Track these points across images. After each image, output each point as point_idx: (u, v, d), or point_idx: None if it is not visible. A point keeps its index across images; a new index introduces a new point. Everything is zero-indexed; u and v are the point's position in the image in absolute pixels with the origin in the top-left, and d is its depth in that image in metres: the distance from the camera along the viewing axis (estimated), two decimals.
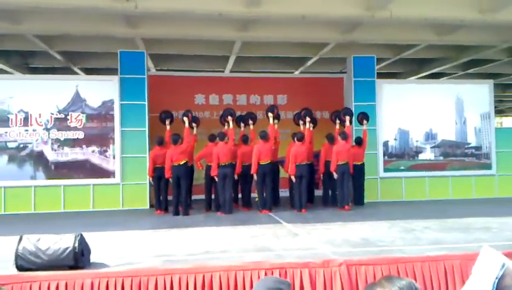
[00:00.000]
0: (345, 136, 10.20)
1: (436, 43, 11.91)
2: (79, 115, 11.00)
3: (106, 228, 8.06)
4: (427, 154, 12.41)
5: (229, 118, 10.20)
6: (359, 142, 10.81)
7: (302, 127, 10.63)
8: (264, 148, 9.81)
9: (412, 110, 12.27)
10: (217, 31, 10.45)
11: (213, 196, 10.29)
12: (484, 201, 11.47)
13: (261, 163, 9.76)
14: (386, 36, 11.06)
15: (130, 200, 10.91)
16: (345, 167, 10.11)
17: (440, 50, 13.28)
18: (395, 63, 14.30)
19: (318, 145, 11.06)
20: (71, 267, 4.94)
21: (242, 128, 10.64)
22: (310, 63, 13.66)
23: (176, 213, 9.57)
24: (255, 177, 9.90)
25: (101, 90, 11.14)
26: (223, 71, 14.39)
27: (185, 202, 9.70)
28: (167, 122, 10.34)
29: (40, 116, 10.85)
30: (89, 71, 14.44)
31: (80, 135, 10.96)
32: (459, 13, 9.30)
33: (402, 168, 12.24)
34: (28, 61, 13.58)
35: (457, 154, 12.48)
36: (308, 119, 10.50)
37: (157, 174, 9.99)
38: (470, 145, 12.56)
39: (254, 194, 10.28)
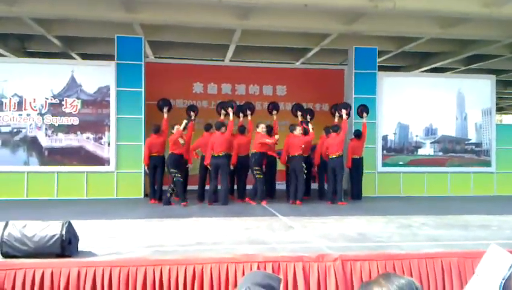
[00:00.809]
0: (336, 129, 10.04)
1: (439, 37, 11.74)
2: (74, 100, 10.82)
3: (98, 217, 7.92)
4: (427, 150, 12.27)
5: (230, 109, 10.08)
6: (358, 134, 10.65)
7: (300, 118, 10.59)
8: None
9: (412, 105, 12.12)
10: (217, 18, 10.26)
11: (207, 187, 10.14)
12: (482, 199, 11.37)
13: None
14: (389, 28, 10.87)
15: (124, 188, 10.77)
16: (336, 161, 9.87)
17: (443, 44, 13.10)
18: (397, 57, 14.13)
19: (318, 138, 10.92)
20: (58, 256, 4.80)
21: (241, 119, 10.50)
22: (310, 54, 13.47)
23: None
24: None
25: (97, 75, 10.97)
26: (222, 60, 14.20)
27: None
28: (165, 110, 10.13)
29: (34, 101, 10.68)
30: (86, 57, 14.24)
31: (75, 121, 10.79)
32: (464, 6, 9.14)
33: (401, 163, 12.10)
34: (25, 45, 13.40)
35: (456, 151, 12.34)
36: (299, 113, 10.58)
37: (153, 163, 9.83)
38: (470, 142, 12.41)
39: (249, 186, 10.17)
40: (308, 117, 10.68)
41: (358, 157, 10.56)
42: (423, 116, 12.21)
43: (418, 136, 12.22)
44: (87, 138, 10.84)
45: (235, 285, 4.64)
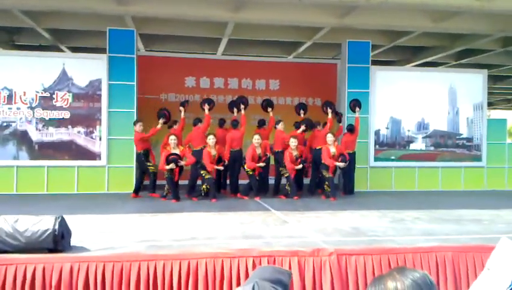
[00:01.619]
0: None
1: (431, 31, 11.72)
2: (65, 94, 10.69)
3: (89, 211, 7.85)
4: (418, 144, 12.29)
5: (242, 106, 10.35)
6: (351, 129, 10.67)
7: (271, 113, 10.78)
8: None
9: (405, 99, 12.13)
10: (209, 11, 10.17)
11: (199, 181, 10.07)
12: (473, 193, 11.42)
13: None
14: (381, 21, 10.84)
15: (115, 183, 10.67)
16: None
17: (434, 38, 13.11)
18: (388, 51, 14.12)
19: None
20: (50, 251, 4.74)
21: (235, 114, 10.48)
22: (303, 48, 13.42)
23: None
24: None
25: (89, 69, 10.82)
26: (214, 54, 14.10)
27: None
28: (161, 121, 10.12)
29: (24, 94, 10.53)
30: (76, 51, 14.04)
31: (66, 114, 10.66)
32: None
33: (392, 157, 12.11)
34: (14, 38, 13.16)
35: (448, 145, 12.38)
36: (269, 109, 10.76)
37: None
38: (462, 136, 12.46)
39: (242, 181, 10.15)
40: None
41: (351, 152, 10.57)
42: (415, 111, 12.22)
43: (410, 130, 12.24)
44: (79, 132, 10.71)
45: (230, 280, 4.61)
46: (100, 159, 10.73)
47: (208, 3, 9.91)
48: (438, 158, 12.27)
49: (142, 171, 10.03)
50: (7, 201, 9.08)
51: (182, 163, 9.35)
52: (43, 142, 10.59)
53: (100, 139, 10.75)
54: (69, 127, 10.68)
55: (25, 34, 12.86)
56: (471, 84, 12.52)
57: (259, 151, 9.76)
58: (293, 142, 9.76)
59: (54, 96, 10.63)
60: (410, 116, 12.22)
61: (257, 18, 10.58)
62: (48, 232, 4.72)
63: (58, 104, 10.63)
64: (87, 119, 10.76)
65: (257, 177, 9.85)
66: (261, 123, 10.91)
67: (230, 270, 4.61)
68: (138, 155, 10.04)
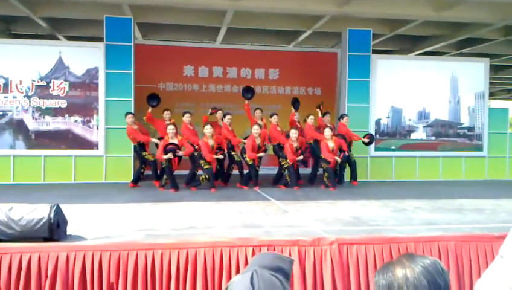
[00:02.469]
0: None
1: (432, 19, 11.58)
2: (62, 82, 10.55)
3: (86, 200, 7.76)
4: (419, 134, 12.19)
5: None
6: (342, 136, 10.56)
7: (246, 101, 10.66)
8: None
9: (406, 88, 12.00)
10: None
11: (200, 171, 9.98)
12: (474, 183, 11.35)
13: None
14: (382, 10, 10.68)
15: (113, 173, 10.57)
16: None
17: (436, 27, 12.95)
18: (388, 41, 13.96)
19: None
20: (46, 239, 4.65)
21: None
22: (303, 37, 13.26)
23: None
24: None
25: (86, 57, 10.67)
26: (213, 43, 13.95)
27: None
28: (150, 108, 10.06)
29: (20, 83, 10.39)
30: (73, 39, 13.87)
31: (63, 103, 10.53)
32: None
33: (393, 147, 12.02)
34: (10, 27, 12.99)
35: (449, 135, 12.28)
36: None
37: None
38: (463, 126, 12.36)
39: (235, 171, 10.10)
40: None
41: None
42: (416, 100, 12.10)
43: (411, 120, 12.13)
44: (75, 121, 10.59)
45: (230, 269, 4.53)
46: (98, 148, 10.62)
47: None
48: (439, 148, 12.17)
49: (142, 161, 9.92)
50: (4, 191, 8.97)
51: (180, 153, 9.25)
52: (40, 132, 10.47)
53: (97, 128, 10.63)
54: (66, 116, 10.55)
55: (22, 23, 12.69)
56: (473, 73, 12.40)
57: (258, 141, 9.67)
58: (293, 134, 9.66)
59: (51, 85, 10.49)
60: (411, 106, 12.09)
61: (256, 6, 10.42)
62: (43, 221, 4.63)
63: (54, 92, 10.50)
64: (84, 108, 10.63)
65: (257, 168, 9.79)
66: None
67: (230, 259, 4.54)
68: (134, 147, 9.95)
